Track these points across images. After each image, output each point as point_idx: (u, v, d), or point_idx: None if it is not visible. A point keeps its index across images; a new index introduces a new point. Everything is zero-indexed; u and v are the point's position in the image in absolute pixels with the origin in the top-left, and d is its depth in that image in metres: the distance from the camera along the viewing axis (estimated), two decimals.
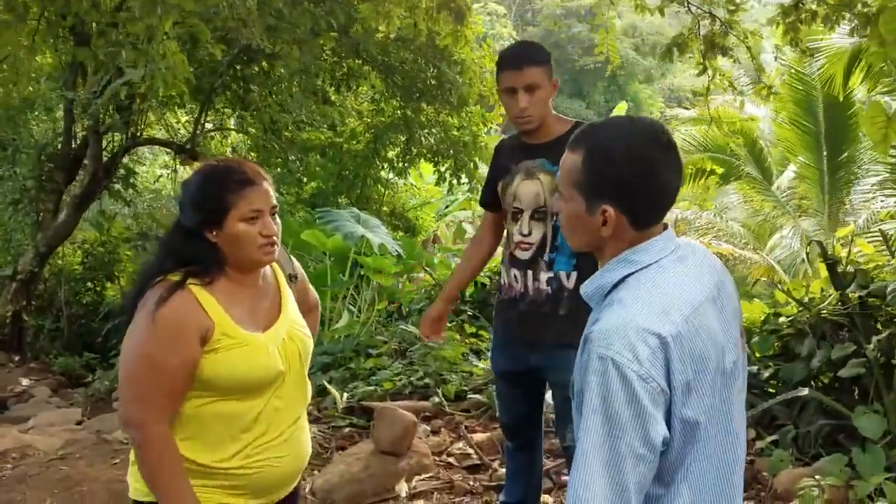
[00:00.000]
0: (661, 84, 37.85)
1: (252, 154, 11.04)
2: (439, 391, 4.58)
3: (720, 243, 11.78)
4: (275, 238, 1.71)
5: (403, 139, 10.00)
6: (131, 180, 10.34)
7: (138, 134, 9.89)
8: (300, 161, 10.22)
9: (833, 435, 3.68)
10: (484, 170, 10.17)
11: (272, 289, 1.82)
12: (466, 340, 5.30)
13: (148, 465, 1.58)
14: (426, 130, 9.67)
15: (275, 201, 1.72)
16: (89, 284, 11.20)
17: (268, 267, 1.82)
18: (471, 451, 3.80)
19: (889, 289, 3.33)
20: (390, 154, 10.16)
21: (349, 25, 8.23)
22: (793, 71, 11.10)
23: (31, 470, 3.84)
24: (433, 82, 9.22)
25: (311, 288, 2.10)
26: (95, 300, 11.06)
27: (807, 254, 6.52)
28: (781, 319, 4.07)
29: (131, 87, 8.24)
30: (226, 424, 1.66)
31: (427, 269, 6.58)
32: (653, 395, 1.18)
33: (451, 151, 9.61)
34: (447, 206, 15.74)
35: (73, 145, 9.58)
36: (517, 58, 2.39)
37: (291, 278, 1.93)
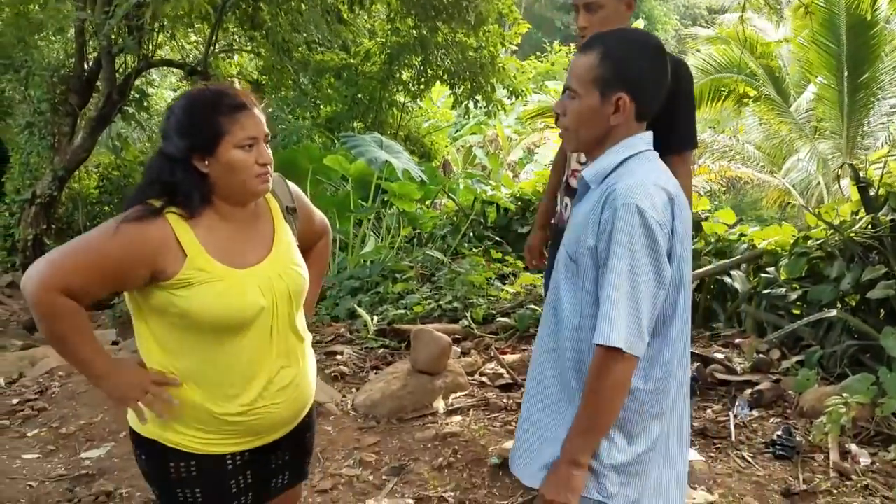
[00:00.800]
0: (676, 1, 36.80)
1: (263, 77, 10.91)
2: (468, 314, 4.68)
3: (738, 167, 11.72)
4: (270, 167, 1.63)
5: (419, 61, 9.84)
6: (144, 103, 10.26)
7: (150, 55, 9.77)
8: (314, 84, 10.09)
9: (858, 356, 3.79)
10: (502, 92, 10.07)
11: (265, 223, 1.72)
12: (491, 265, 5.38)
13: (42, 323, 1.53)
14: (442, 51, 9.49)
15: (266, 128, 1.62)
16: (106, 208, 11.28)
17: (262, 200, 1.72)
18: (503, 370, 3.92)
19: None
20: (405, 76, 10.00)
21: None
22: None
23: (78, 388, 3.99)
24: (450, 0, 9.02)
25: (318, 213, 1.98)
26: None
27: (823, 175, 6.50)
28: (810, 242, 4.12)
29: (143, 7, 8.14)
30: (216, 367, 1.61)
31: (451, 195, 6.60)
32: (666, 239, 1.43)
33: (468, 73, 9.47)
34: (457, 131, 15.61)
35: (86, 67, 9.49)
36: None
37: (289, 210, 1.81)
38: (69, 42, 9.83)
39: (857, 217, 3.97)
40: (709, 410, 3.62)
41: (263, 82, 10.61)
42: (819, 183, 11.71)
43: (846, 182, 9.16)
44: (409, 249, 5.93)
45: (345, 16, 10.03)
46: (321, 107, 10.04)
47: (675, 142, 2.31)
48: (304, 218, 1.87)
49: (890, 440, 3.18)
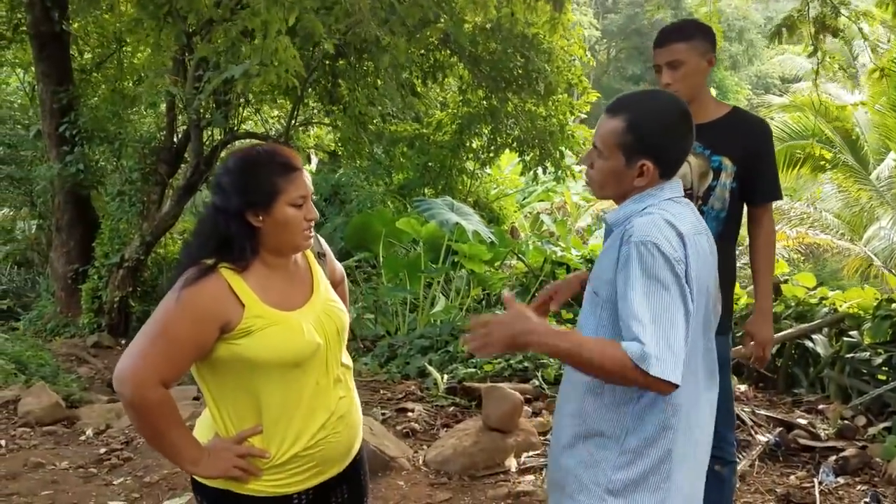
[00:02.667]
0: (748, 71, 36.74)
1: (339, 148, 11.33)
2: (539, 374, 4.66)
3: (816, 233, 11.42)
4: (313, 223, 1.75)
5: (488, 129, 10.07)
6: None
7: (235, 129, 10.30)
8: (387, 153, 10.43)
9: None
10: (571, 160, 10.18)
11: (303, 268, 1.83)
12: (565, 326, 5.36)
13: (141, 422, 1.61)
14: (512, 120, 9.70)
15: (311, 186, 1.74)
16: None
17: None
18: None
19: None
20: (475, 144, 10.24)
21: (438, 17, 8.38)
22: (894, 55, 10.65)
23: None
24: (520, 72, 9.26)
25: (337, 263, 2.12)
26: None
27: None
28: (894, 305, 3.99)
29: (232, 84, 8.64)
30: (283, 409, 1.67)
31: (520, 256, 6.65)
32: (683, 274, 1.47)
33: (537, 141, 9.62)
34: (525, 198, 15.74)
35: (175, 139, 10.08)
36: (662, 34, 2.39)
37: (320, 256, 1.95)
38: (160, 116, 10.47)
39: None
40: (792, 476, 3.49)
41: (339, 153, 11.02)
42: None
43: None
44: (479, 310, 5.97)
45: (418, 89, 10.42)
46: (394, 174, 10.34)
47: (759, 195, 2.40)
48: (328, 264, 1.99)
49: None
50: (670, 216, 1.53)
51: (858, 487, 3.32)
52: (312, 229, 1.77)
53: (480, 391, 4.40)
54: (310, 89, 10.19)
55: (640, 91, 1.78)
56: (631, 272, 1.47)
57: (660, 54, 2.37)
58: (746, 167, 2.35)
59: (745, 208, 2.47)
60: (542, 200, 16.29)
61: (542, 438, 3.85)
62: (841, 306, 4.43)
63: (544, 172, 9.79)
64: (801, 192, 14.82)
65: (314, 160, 13.30)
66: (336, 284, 2.04)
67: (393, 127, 10.65)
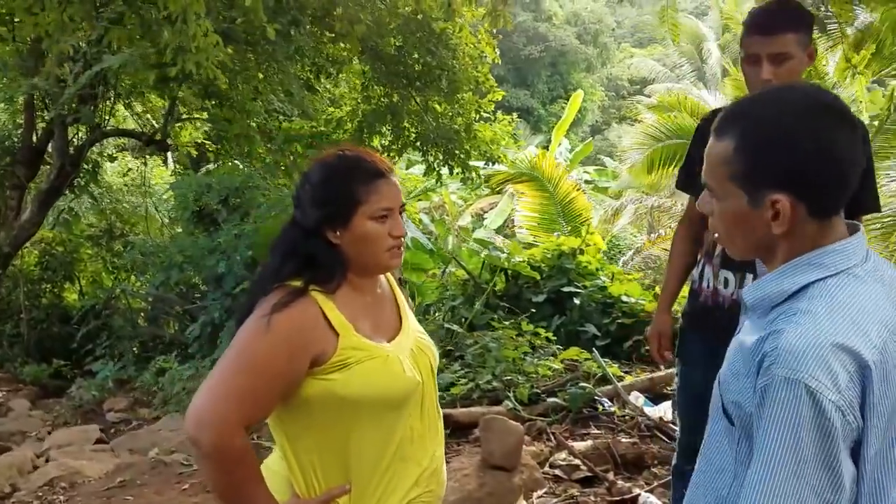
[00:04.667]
0: (601, 73, 38.29)
1: (213, 146, 10.47)
2: (510, 395, 4.32)
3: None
4: (404, 240, 1.55)
5: (390, 128, 9.66)
6: (98, 175, 9.68)
7: (104, 125, 9.24)
8: (281, 151, 9.75)
9: None
10: (477, 160, 9.94)
11: (388, 295, 1.64)
12: (519, 339, 5.04)
13: (220, 473, 1.34)
14: (417, 118, 9.33)
15: (403, 198, 1.54)
16: (46, 286, 10.47)
17: None
18: (576, 461, 3.55)
19: None
20: (377, 143, 9.79)
21: (330, 11, 7.88)
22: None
23: (90, 502, 3.40)
24: (420, 68, 8.89)
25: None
26: (54, 303, 10.36)
27: None
28: None
29: (103, 76, 7.70)
30: (373, 459, 1.46)
31: (460, 261, 6.28)
32: (849, 429, 0.98)
33: (442, 141, 9.32)
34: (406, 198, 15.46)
35: (35, 138, 8.89)
36: (769, 20, 2.01)
37: (402, 283, 1.86)
38: (16, 111, 9.21)
39: None
40: None
41: (226, 151, 10.20)
42: None
43: None
44: (421, 321, 5.54)
45: (314, 85, 9.83)
46: (294, 175, 9.68)
47: (863, 208, 2.10)
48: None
49: None
50: (845, 323, 1.00)
51: None
52: (402, 247, 1.56)
53: (455, 417, 4.01)
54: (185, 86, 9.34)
55: (757, 95, 1.17)
56: (764, 432, 0.99)
57: (764, 43, 1.99)
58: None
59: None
60: (420, 200, 16.03)
61: (543, 473, 3.50)
62: None
63: (450, 173, 9.50)
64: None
65: (170, 161, 12.26)
66: None
67: (286, 125, 9.98)
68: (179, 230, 9.49)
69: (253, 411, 1.36)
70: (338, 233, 1.47)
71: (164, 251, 8.07)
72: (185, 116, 10.58)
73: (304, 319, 1.40)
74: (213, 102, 9.68)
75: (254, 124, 9.72)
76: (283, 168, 9.44)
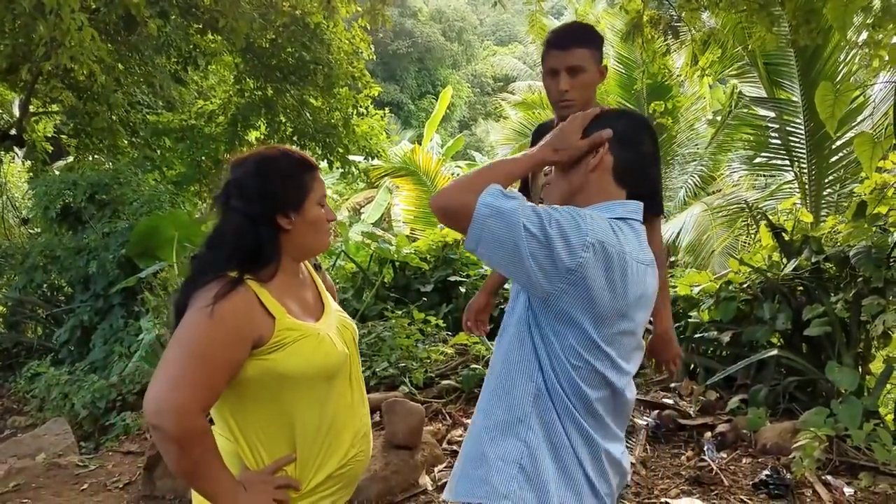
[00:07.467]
0: (466, 70, 39.04)
1: (72, 140, 9.90)
2: (406, 380, 4.46)
3: None
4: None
5: (265, 122, 9.52)
6: None
7: None
8: (149, 145, 9.38)
9: (793, 392, 4.08)
10: (357, 155, 9.97)
11: (308, 279, 1.76)
12: (409, 327, 5.18)
13: (182, 455, 1.40)
14: (293, 112, 9.25)
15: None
16: None
17: None
18: None
19: (853, 252, 3.72)
20: (251, 137, 9.61)
21: (197, 2, 7.68)
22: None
23: None
24: (293, 61, 8.82)
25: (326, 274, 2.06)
26: None
27: (747, 225, 7.04)
28: (731, 287, 4.42)
29: None
30: (315, 426, 1.58)
31: (351, 256, 6.33)
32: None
33: (319, 135, 9.29)
34: None
35: None
36: (564, 37, 2.22)
37: (317, 268, 1.91)
38: None
39: (774, 261, 4.34)
40: (682, 457, 3.69)
41: (80, 145, 9.66)
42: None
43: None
44: None
45: (183, 77, 9.50)
46: (164, 170, 9.33)
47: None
48: (322, 275, 1.94)
49: (854, 468, 3.41)
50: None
51: (744, 461, 3.60)
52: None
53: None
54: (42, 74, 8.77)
55: (610, 109, 1.65)
56: None
57: (559, 57, 2.20)
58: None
59: None
60: None
61: (443, 449, 3.67)
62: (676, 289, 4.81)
63: (330, 168, 9.49)
64: None
65: (19, 156, 11.46)
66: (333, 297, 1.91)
67: (153, 117, 9.60)
68: (38, 230, 8.93)
69: (207, 395, 1.43)
70: (291, 218, 1.57)
71: (22, 252, 7.59)
72: (40, 110, 9.95)
73: (245, 307, 1.48)
74: (74, 95, 9.18)
75: (115, 118, 9.31)
76: (152, 163, 9.06)
